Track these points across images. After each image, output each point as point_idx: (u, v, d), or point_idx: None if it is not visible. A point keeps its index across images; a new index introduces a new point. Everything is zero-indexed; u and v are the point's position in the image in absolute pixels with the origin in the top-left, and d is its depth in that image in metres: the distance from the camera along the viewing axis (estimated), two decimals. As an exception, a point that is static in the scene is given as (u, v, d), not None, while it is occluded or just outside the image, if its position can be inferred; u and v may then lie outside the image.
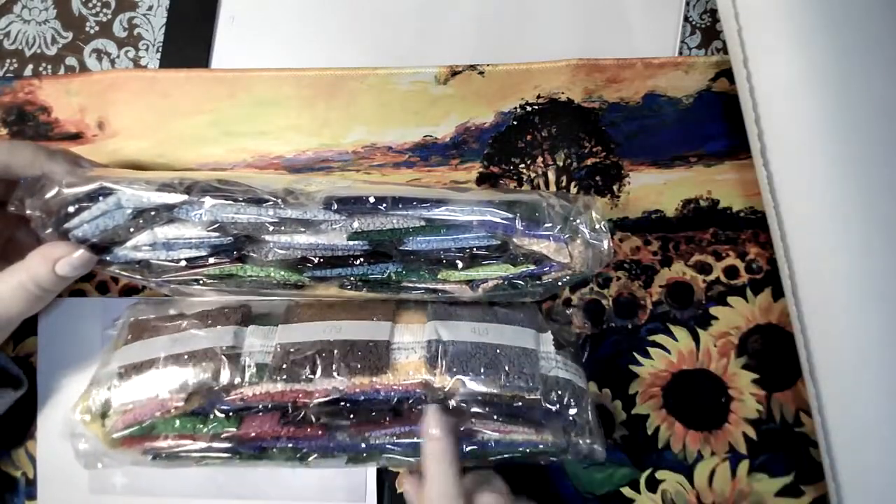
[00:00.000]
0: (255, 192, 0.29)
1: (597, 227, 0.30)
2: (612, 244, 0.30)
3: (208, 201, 0.29)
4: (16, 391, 0.35)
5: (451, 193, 0.31)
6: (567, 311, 0.36)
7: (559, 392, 0.31)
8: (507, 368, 0.30)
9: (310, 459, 0.31)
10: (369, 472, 0.36)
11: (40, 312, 0.37)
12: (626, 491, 0.35)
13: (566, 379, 0.31)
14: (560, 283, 0.32)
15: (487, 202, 0.30)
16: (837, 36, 0.29)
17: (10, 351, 0.37)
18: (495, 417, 0.31)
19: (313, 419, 0.30)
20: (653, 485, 0.35)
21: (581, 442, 0.31)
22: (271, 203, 0.29)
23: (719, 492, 0.35)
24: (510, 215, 0.30)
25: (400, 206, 0.29)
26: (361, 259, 0.31)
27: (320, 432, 0.31)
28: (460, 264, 0.31)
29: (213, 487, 0.36)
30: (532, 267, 0.31)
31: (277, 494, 0.36)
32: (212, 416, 0.30)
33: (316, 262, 0.31)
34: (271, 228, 0.29)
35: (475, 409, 0.30)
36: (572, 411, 0.31)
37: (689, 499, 0.35)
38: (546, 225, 0.30)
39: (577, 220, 0.30)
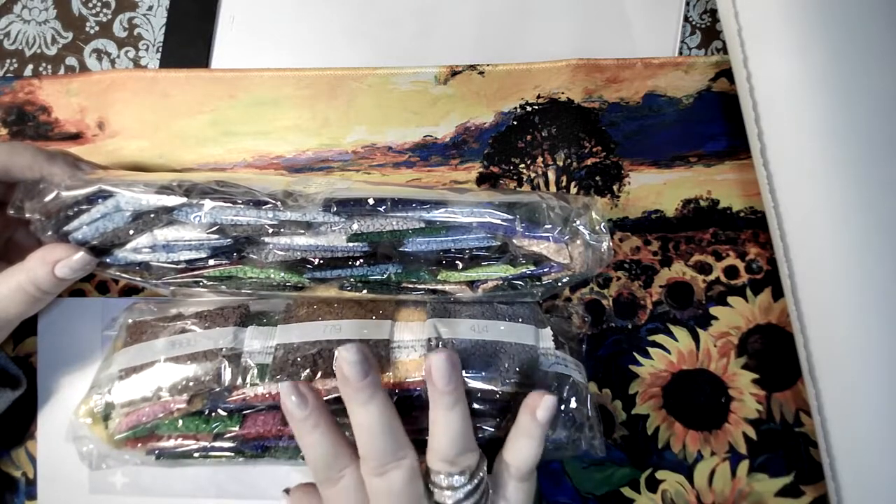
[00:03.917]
0: (255, 194, 0.29)
1: (597, 227, 0.30)
2: (611, 245, 0.30)
3: (208, 204, 0.29)
4: (14, 391, 0.35)
5: (451, 195, 0.31)
6: (567, 307, 0.36)
7: (559, 388, 0.31)
8: (506, 365, 0.30)
9: None
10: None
11: (40, 312, 0.37)
12: (626, 491, 0.35)
13: (566, 375, 0.31)
14: (560, 284, 0.32)
15: (487, 203, 0.30)
16: (837, 36, 0.29)
17: (10, 351, 0.37)
18: (495, 415, 0.31)
19: None
20: (653, 485, 0.35)
21: (581, 437, 0.31)
22: (270, 205, 0.29)
23: (719, 492, 0.35)
24: (510, 217, 0.30)
25: (399, 207, 0.29)
26: (361, 260, 0.31)
27: None
28: (460, 265, 0.31)
29: (213, 487, 0.36)
30: (532, 268, 0.31)
31: (277, 494, 0.36)
32: (214, 416, 0.30)
33: (316, 263, 0.31)
34: (271, 231, 0.29)
35: (475, 407, 0.30)
36: (572, 407, 0.31)
37: (689, 499, 0.35)
38: (546, 226, 0.30)
39: (577, 222, 0.30)
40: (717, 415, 0.36)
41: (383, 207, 0.29)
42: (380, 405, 0.27)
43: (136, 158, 0.38)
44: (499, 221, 0.30)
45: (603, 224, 0.30)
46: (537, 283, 0.32)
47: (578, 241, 0.30)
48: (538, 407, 0.28)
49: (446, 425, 0.27)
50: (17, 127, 0.39)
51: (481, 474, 0.28)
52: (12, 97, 0.39)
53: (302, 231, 0.30)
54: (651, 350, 0.36)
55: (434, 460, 0.28)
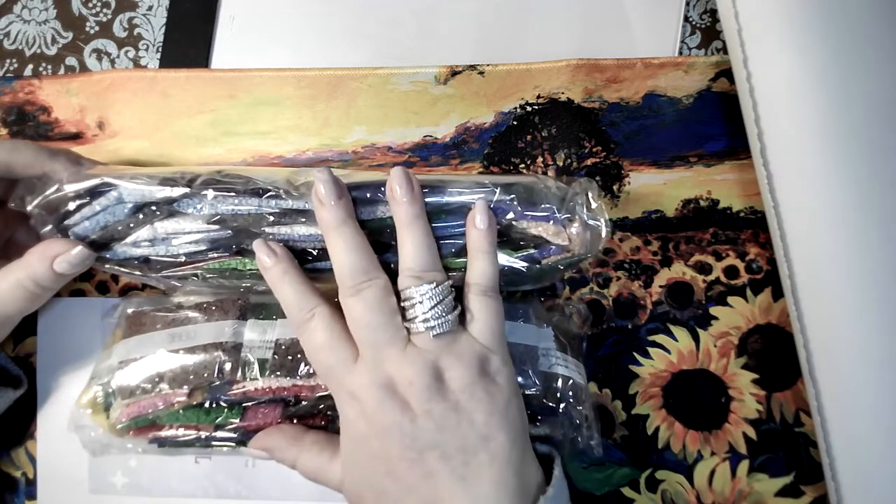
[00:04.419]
0: (256, 183, 0.29)
1: (594, 207, 0.30)
2: (609, 224, 0.30)
3: (210, 193, 0.29)
4: (15, 391, 0.35)
5: (449, 177, 0.31)
6: (567, 306, 0.36)
7: (559, 388, 0.31)
8: None
9: None
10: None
11: (40, 312, 0.37)
12: (626, 491, 0.35)
13: (566, 375, 0.31)
14: (560, 267, 0.32)
15: (485, 185, 0.30)
16: (837, 36, 0.29)
17: (10, 350, 0.37)
18: None
19: (315, 410, 0.31)
20: (653, 485, 0.35)
21: (578, 437, 0.31)
22: (272, 194, 0.29)
23: (719, 492, 0.35)
24: (508, 197, 0.30)
25: None
26: None
27: (323, 423, 0.31)
28: (460, 251, 0.31)
29: (213, 487, 0.36)
30: (531, 251, 0.31)
31: (277, 494, 0.36)
32: (215, 408, 0.31)
33: (315, 254, 0.31)
34: (272, 219, 0.29)
35: None
36: (571, 407, 0.31)
37: (689, 499, 0.35)
38: (544, 206, 0.30)
39: (574, 201, 0.30)
40: (717, 415, 0.35)
41: (382, 193, 0.29)
42: (353, 228, 0.29)
43: (136, 158, 0.38)
44: (497, 201, 0.30)
45: (600, 203, 0.30)
46: (537, 266, 0.32)
47: (577, 222, 0.30)
48: (475, 217, 0.29)
49: (411, 238, 0.29)
50: (17, 127, 0.39)
51: (448, 286, 0.29)
52: (12, 97, 0.39)
53: (303, 220, 0.30)
54: (651, 350, 0.36)
55: (403, 278, 0.29)
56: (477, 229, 0.29)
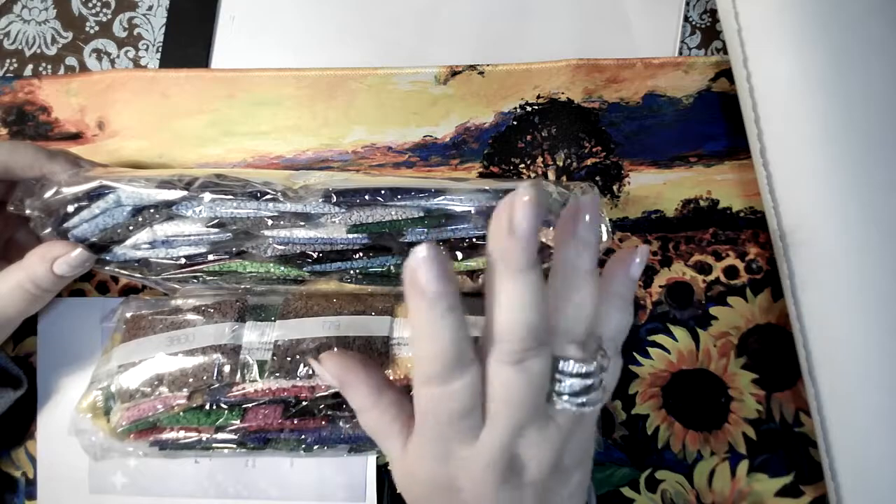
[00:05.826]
0: (254, 186, 0.29)
1: None
2: (609, 229, 0.30)
3: (207, 196, 0.29)
4: (15, 391, 0.35)
5: (450, 183, 0.31)
6: None
7: None
8: None
9: (314, 449, 0.31)
10: (369, 471, 0.36)
11: (40, 312, 0.37)
12: (626, 491, 0.35)
13: None
14: None
15: (486, 190, 0.30)
16: (837, 36, 0.29)
17: (10, 351, 0.37)
18: None
19: (316, 411, 0.31)
20: (652, 485, 0.35)
21: None
22: (270, 196, 0.29)
23: (719, 492, 0.35)
24: None
25: (398, 197, 0.30)
26: (361, 253, 0.31)
27: (323, 423, 0.31)
28: (460, 255, 0.31)
29: (212, 487, 0.36)
30: None
31: (277, 494, 0.36)
32: (215, 409, 0.31)
33: (315, 256, 0.31)
34: (270, 223, 0.29)
35: None
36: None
37: (689, 499, 0.35)
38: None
39: None
40: (717, 415, 0.35)
41: (381, 197, 0.29)
42: (536, 276, 0.21)
43: (135, 158, 0.38)
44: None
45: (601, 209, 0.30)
46: None
47: None
48: (632, 263, 0.24)
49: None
50: (17, 127, 0.39)
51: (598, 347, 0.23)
52: (12, 97, 0.39)
53: (301, 223, 0.30)
54: (651, 350, 0.36)
55: (558, 343, 0.23)
56: (629, 280, 0.24)
